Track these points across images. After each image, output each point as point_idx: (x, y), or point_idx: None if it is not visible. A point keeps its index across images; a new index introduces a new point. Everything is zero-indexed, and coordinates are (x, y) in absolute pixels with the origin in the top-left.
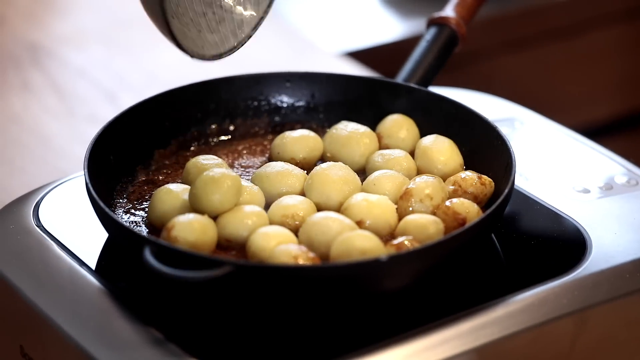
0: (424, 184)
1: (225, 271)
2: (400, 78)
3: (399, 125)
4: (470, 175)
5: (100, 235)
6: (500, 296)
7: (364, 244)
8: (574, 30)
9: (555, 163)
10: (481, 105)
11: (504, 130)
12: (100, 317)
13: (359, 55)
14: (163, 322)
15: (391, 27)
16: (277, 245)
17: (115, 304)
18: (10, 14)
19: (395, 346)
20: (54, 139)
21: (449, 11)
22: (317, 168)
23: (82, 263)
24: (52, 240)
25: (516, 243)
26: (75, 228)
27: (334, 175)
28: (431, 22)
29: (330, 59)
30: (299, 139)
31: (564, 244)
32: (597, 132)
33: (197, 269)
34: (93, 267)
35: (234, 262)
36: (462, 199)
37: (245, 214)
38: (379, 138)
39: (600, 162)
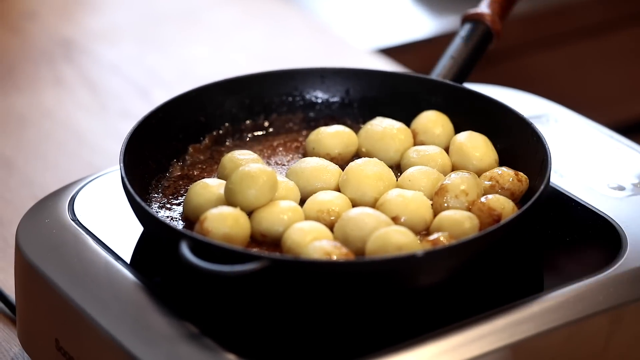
0: (459, 179)
1: (261, 266)
2: (435, 74)
3: (434, 121)
4: (506, 171)
5: (135, 230)
6: (536, 293)
7: (399, 240)
8: (608, 27)
9: (589, 160)
10: (515, 102)
11: (538, 127)
12: (135, 311)
13: (390, 52)
14: (198, 317)
15: (422, 24)
16: (313, 240)
17: (150, 298)
18: (43, 10)
19: (431, 342)
20: (87, 134)
21: (483, 7)
22: (352, 164)
23: (117, 257)
24: (87, 234)
25: (551, 240)
26: (111, 222)
27: (369, 171)
28: (466, 19)
29: (362, 56)
30: (335, 135)
31: (599, 241)
32: (631, 129)
33: (232, 263)
34: (128, 261)
35: (270, 256)
36: (497, 195)
37: (281, 209)
38: (414, 134)
39: (635, 159)
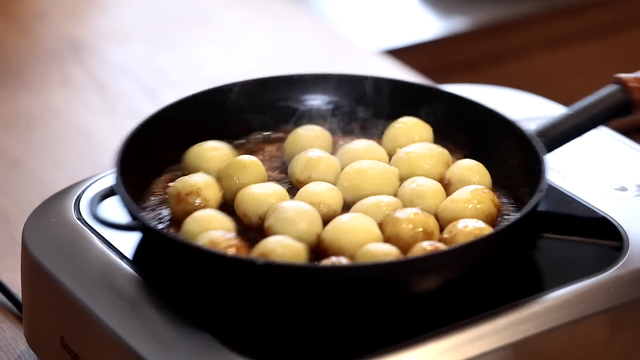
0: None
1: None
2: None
3: (469, 169)
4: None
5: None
6: (537, 293)
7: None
8: (615, 28)
9: (592, 161)
10: (519, 102)
11: None
12: (139, 309)
13: (397, 53)
14: (202, 315)
15: (430, 25)
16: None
17: (154, 297)
18: (52, 10)
19: (432, 341)
20: (95, 134)
21: (637, 73)
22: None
23: (122, 256)
24: (93, 233)
25: (553, 240)
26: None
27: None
28: (614, 79)
29: (369, 57)
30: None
31: (601, 241)
32: (635, 130)
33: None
34: (133, 260)
35: (144, 221)
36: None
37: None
38: (448, 185)
39: (638, 160)
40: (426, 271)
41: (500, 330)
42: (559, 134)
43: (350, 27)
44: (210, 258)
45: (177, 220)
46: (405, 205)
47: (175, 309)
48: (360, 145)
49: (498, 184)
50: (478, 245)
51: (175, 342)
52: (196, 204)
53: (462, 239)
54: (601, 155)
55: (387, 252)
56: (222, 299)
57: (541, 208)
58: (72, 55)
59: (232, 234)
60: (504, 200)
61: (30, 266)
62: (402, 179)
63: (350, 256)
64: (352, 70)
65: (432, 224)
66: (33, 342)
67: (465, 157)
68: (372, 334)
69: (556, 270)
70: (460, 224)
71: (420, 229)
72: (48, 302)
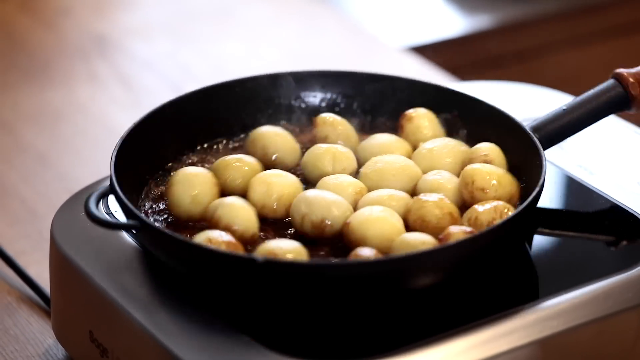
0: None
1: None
2: (536, 120)
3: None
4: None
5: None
6: (565, 289)
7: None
8: (636, 26)
9: (618, 157)
10: (542, 99)
11: None
12: (168, 303)
13: (421, 51)
14: (230, 309)
15: (454, 23)
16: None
17: (182, 291)
18: (77, 6)
19: (460, 337)
20: (120, 129)
21: (636, 68)
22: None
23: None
24: (121, 227)
25: (580, 237)
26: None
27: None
28: (612, 75)
29: (394, 54)
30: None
31: (629, 238)
32: None
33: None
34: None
35: (143, 219)
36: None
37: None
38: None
39: None
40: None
41: (528, 326)
42: (555, 130)
43: (375, 24)
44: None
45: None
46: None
47: (205, 304)
48: (383, 139)
49: None
50: (514, 221)
51: (204, 336)
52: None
53: (486, 218)
54: (627, 152)
55: (424, 240)
56: (242, 296)
57: (568, 205)
58: (97, 51)
59: (229, 236)
60: None
61: (59, 260)
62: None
63: (376, 248)
64: (376, 66)
65: (456, 210)
66: (61, 336)
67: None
68: (397, 330)
69: (584, 267)
70: (479, 207)
71: (448, 212)
72: (77, 296)
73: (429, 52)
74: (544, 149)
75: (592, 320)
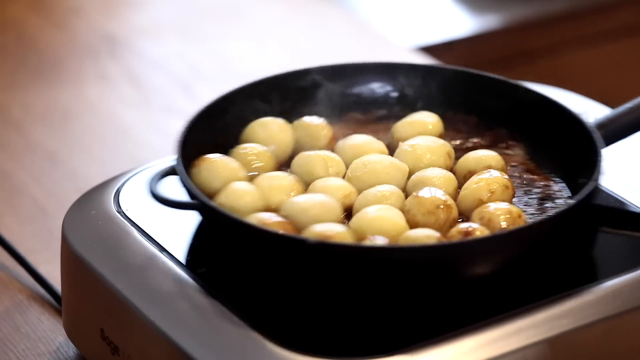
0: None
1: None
2: (600, 119)
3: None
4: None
5: (179, 222)
6: (575, 287)
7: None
8: None
9: (630, 157)
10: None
11: None
12: (179, 301)
13: (430, 50)
14: (243, 306)
15: (463, 22)
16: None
17: (194, 289)
18: (87, 5)
19: (469, 335)
20: (130, 128)
21: None
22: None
23: (161, 248)
24: (132, 226)
25: (591, 235)
26: (155, 214)
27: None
28: None
29: (403, 53)
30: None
31: (637, 236)
32: None
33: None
34: (172, 252)
35: (205, 201)
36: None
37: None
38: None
39: None
40: (486, 253)
41: (538, 324)
42: (618, 128)
43: (383, 23)
44: (267, 236)
45: None
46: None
47: (217, 302)
48: (361, 140)
49: (557, 173)
50: (545, 225)
51: (215, 334)
52: None
53: (499, 221)
54: (634, 151)
55: (429, 235)
56: (266, 288)
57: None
58: (107, 50)
59: (278, 217)
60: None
61: (70, 258)
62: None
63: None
64: None
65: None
66: (72, 334)
67: (523, 147)
68: (408, 327)
69: (593, 266)
70: (492, 207)
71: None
72: (88, 294)
73: (438, 51)
74: (606, 146)
75: (601, 319)
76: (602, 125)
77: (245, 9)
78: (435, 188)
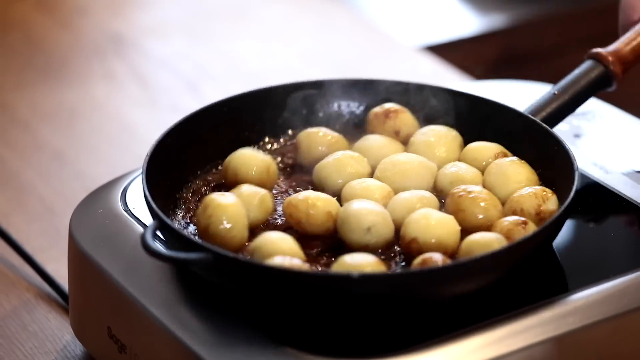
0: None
1: (205, 257)
2: (529, 108)
3: None
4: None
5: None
6: (581, 287)
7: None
8: None
9: (633, 155)
10: None
11: (583, 123)
12: (185, 299)
13: (436, 50)
14: (247, 306)
15: (469, 22)
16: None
17: (201, 288)
18: (93, 4)
19: (477, 334)
20: (137, 128)
21: (610, 47)
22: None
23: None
24: (139, 224)
25: (596, 235)
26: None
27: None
28: (588, 56)
29: (409, 53)
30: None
31: None
32: None
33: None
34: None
35: (213, 249)
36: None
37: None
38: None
39: None
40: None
41: (544, 323)
42: (551, 113)
43: (389, 23)
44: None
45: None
46: (444, 189)
47: (221, 300)
48: (379, 141)
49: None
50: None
51: (222, 332)
52: None
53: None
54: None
55: (498, 239)
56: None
57: (582, 203)
58: (113, 50)
59: (298, 260)
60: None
61: (77, 257)
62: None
63: (444, 251)
64: (391, 65)
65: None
66: (79, 332)
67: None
68: (414, 327)
69: (599, 265)
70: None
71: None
72: (95, 293)
73: (443, 51)
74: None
75: (608, 317)
76: (535, 113)
77: (251, 9)
78: (472, 185)
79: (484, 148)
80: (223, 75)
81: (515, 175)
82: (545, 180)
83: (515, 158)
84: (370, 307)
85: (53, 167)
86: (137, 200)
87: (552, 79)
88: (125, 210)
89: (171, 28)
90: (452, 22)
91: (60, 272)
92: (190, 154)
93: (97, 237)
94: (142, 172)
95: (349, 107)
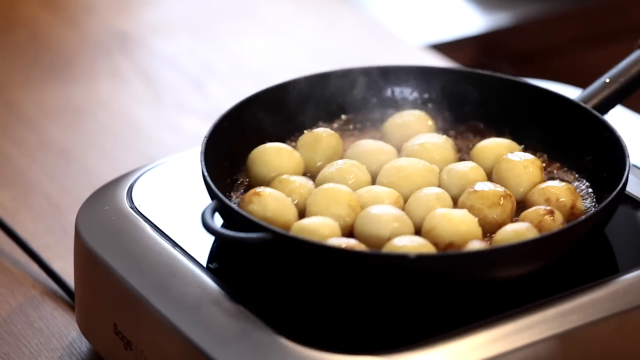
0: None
1: (267, 237)
2: (581, 96)
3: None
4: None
5: (192, 218)
6: (585, 284)
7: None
8: None
9: (633, 153)
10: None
11: None
12: (192, 296)
13: (441, 48)
14: (256, 302)
15: (474, 20)
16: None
17: (207, 284)
18: (99, 3)
19: (481, 330)
20: (142, 125)
21: None
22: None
23: (174, 243)
24: (145, 221)
25: (601, 233)
26: (168, 210)
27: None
28: (638, 46)
29: (414, 51)
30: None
31: None
32: None
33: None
34: (185, 247)
35: (275, 230)
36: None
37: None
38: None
39: None
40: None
41: (549, 320)
42: (601, 102)
43: (394, 21)
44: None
45: None
46: (449, 189)
47: (229, 297)
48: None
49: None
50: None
51: (228, 329)
52: None
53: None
54: None
55: (528, 228)
56: (286, 288)
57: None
58: (119, 48)
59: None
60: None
61: (84, 254)
62: None
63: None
64: (396, 63)
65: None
66: (86, 329)
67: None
68: (420, 323)
69: (603, 262)
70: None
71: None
72: (101, 290)
73: (448, 49)
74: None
75: (612, 314)
76: (587, 100)
77: (257, 7)
78: (485, 182)
79: (495, 145)
80: (228, 73)
81: (526, 172)
82: (595, 167)
83: (524, 154)
84: (420, 290)
85: (59, 165)
86: (143, 197)
87: (559, 78)
88: (132, 208)
89: (177, 26)
90: (457, 21)
91: (66, 269)
92: (243, 140)
93: (103, 234)
94: (200, 154)
95: (402, 93)
